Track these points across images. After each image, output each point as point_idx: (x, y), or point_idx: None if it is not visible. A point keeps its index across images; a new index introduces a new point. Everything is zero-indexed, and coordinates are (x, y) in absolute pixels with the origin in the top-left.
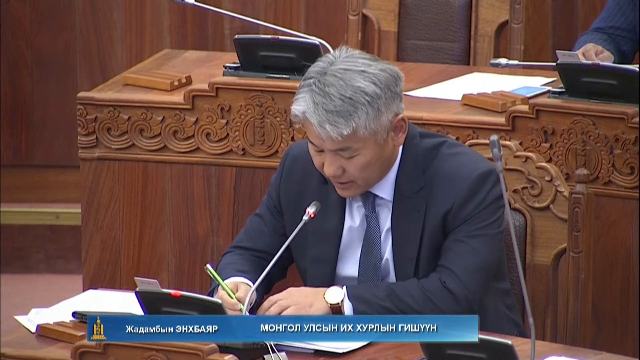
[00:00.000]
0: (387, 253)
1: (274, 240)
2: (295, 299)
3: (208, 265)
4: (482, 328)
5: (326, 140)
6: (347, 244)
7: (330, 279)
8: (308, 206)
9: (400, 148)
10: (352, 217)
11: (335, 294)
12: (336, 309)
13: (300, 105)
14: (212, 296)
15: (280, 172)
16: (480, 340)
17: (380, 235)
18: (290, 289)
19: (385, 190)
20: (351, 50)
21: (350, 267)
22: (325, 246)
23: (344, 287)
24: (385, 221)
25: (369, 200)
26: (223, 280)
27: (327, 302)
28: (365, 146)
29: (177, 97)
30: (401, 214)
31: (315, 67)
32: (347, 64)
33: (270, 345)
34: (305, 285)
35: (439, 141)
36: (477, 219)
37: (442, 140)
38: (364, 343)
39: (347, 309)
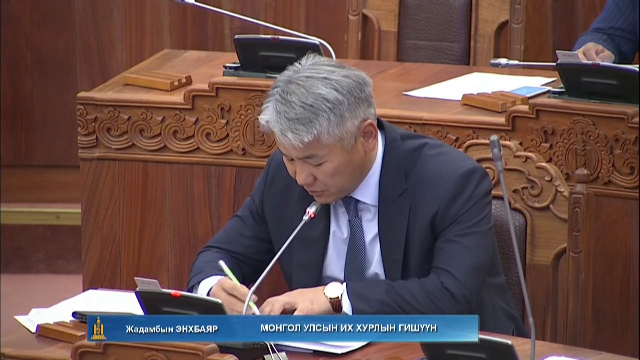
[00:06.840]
0: (376, 258)
1: (253, 244)
2: (295, 300)
3: (221, 262)
4: (480, 324)
5: (289, 148)
6: (333, 249)
7: (316, 285)
8: (307, 207)
9: (381, 152)
10: (338, 223)
11: (335, 289)
12: (336, 303)
13: (265, 115)
14: (192, 292)
15: (264, 178)
16: (481, 340)
17: (366, 240)
18: (288, 293)
19: (367, 195)
20: (318, 58)
21: (336, 272)
22: (311, 252)
23: (344, 283)
24: (372, 226)
25: (351, 205)
26: (205, 278)
27: (327, 297)
28: (332, 153)
29: (177, 97)
30: (386, 218)
31: (282, 76)
32: (310, 72)
33: (270, 345)
34: (290, 289)
35: (420, 143)
36: (466, 218)
37: (424, 141)
38: (364, 343)
39: (346, 305)
